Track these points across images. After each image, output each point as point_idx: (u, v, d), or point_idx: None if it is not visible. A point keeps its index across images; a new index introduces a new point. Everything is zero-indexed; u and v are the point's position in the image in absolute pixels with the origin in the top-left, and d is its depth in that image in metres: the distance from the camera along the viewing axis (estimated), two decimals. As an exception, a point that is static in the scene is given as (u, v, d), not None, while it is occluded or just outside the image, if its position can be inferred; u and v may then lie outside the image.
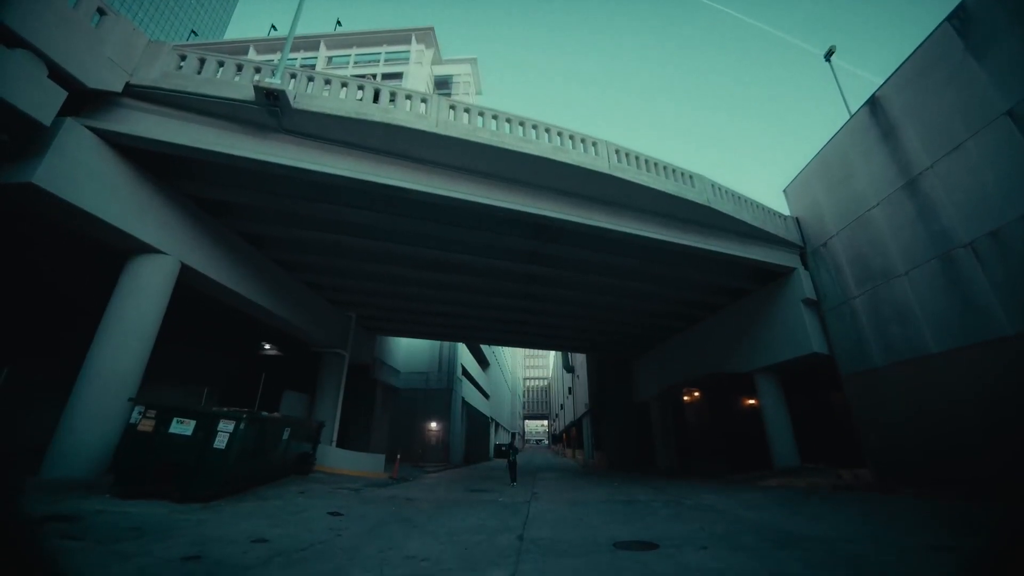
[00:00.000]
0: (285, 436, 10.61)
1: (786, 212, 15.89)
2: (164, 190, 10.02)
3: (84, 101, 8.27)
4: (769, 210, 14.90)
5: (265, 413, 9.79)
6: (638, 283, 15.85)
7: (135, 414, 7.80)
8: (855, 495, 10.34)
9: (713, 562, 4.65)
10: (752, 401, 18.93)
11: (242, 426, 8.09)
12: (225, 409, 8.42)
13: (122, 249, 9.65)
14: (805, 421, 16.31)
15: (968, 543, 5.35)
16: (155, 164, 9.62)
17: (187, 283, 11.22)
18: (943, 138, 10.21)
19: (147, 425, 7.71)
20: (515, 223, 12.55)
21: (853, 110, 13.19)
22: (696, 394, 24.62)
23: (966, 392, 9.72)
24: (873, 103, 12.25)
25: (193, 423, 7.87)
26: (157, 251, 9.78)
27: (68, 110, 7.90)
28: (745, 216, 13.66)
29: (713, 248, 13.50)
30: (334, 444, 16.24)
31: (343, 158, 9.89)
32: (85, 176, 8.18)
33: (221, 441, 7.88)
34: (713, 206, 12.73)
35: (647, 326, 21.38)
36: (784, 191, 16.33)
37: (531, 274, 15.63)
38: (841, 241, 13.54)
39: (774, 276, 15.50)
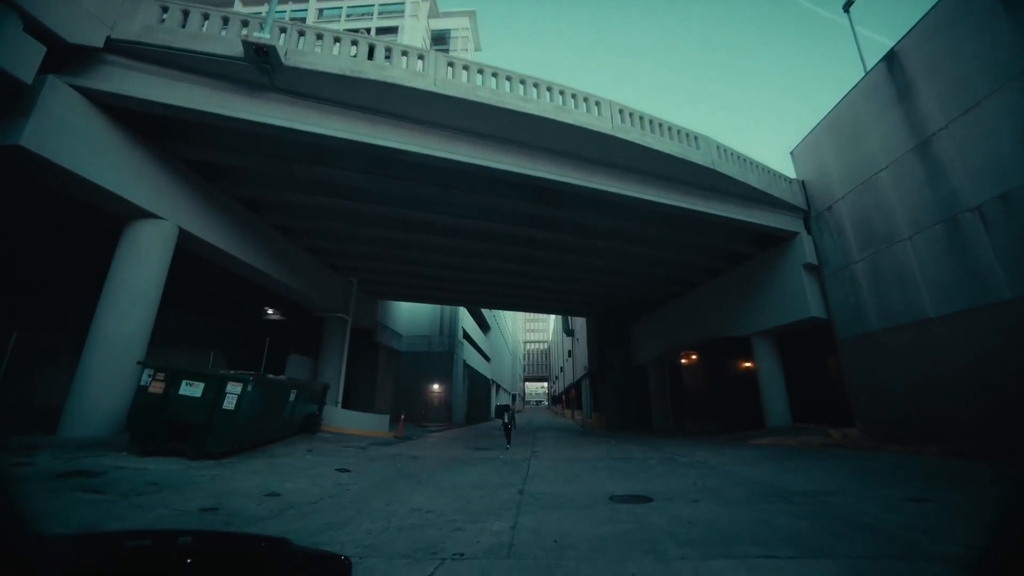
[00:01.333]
0: (291, 398, 10.91)
1: (792, 175, 15.58)
2: (157, 154, 9.79)
3: (65, 58, 7.91)
4: (774, 173, 14.60)
5: (271, 376, 10.03)
6: (639, 247, 15.78)
7: (145, 376, 7.99)
8: (843, 452, 10.74)
9: (703, 514, 4.90)
10: (748, 364, 19.29)
11: (249, 388, 8.31)
12: (232, 372, 8.62)
13: (119, 214, 9.55)
14: (798, 383, 16.69)
15: (945, 496, 5.62)
16: (146, 126, 9.35)
17: (187, 248, 11.19)
18: (961, 96, 9.84)
19: (157, 387, 7.92)
20: (515, 186, 12.34)
21: (869, 68, 12.65)
22: (694, 357, 25.08)
23: (958, 355, 9.89)
24: (891, 58, 11.72)
25: (202, 385, 8.08)
26: (154, 216, 9.68)
27: (49, 68, 7.58)
28: (750, 179, 13.40)
29: (716, 212, 13.34)
30: (339, 405, 16.74)
31: (338, 118, 9.60)
32: (73, 138, 7.97)
33: (230, 402, 8.12)
34: (718, 168, 12.47)
35: (647, 290, 21.47)
36: (791, 153, 15.94)
37: (531, 238, 15.53)
38: (846, 205, 13.35)
39: (776, 240, 15.41)
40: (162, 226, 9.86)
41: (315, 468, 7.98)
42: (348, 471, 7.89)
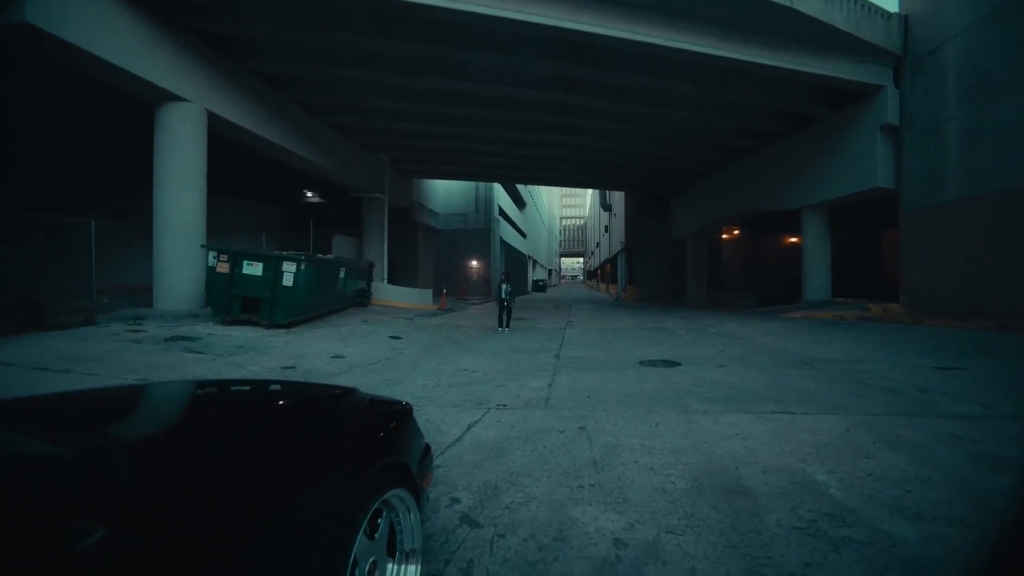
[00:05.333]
0: (342, 274, 11.79)
1: (893, 8, 12.71)
2: (170, 29, 9.16)
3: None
4: (867, 5, 11.92)
5: (320, 255, 10.73)
6: (686, 112, 14.16)
7: (211, 258, 8.78)
8: (879, 326, 10.76)
9: (726, 376, 5.27)
10: (794, 239, 18.52)
11: (303, 266, 9.01)
12: (285, 253, 9.28)
13: (144, 98, 9.42)
14: (843, 258, 16.10)
15: (977, 364, 5.69)
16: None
17: (219, 132, 11.12)
18: None
19: (224, 267, 8.74)
20: (550, 43, 10.88)
21: None
22: (735, 232, 24.25)
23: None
24: None
25: (261, 265, 8.83)
26: (179, 98, 9.49)
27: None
28: (836, 18, 11.08)
29: (784, 65, 11.44)
30: (385, 281, 17.96)
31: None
32: (77, 11, 7.47)
33: (288, 280, 8.92)
34: (795, 6, 10.31)
35: (691, 161, 19.94)
36: (898, -25, 12.78)
37: (567, 104, 14.22)
38: (958, 45, 11.01)
39: (854, 97, 13.30)
40: (190, 109, 9.72)
41: (371, 335, 8.96)
42: (400, 338, 8.82)
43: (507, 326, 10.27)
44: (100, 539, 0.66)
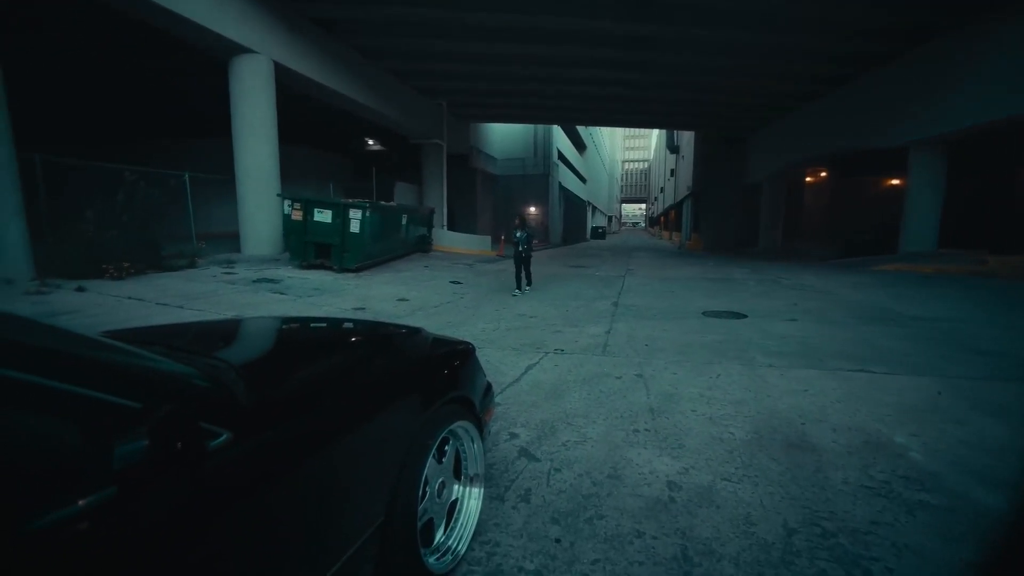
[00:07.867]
0: (404, 221, 12.18)
1: None
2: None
3: None
4: None
5: (383, 203, 11.10)
6: (774, 34, 12.24)
7: (286, 206, 9.40)
8: (993, 282, 9.40)
9: (796, 331, 4.95)
10: (896, 181, 16.27)
11: (367, 213, 9.40)
12: (351, 201, 9.70)
13: (216, 52, 9.81)
14: (957, 204, 13.88)
15: (1120, 329, 4.86)
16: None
17: (285, 83, 11.42)
18: None
19: (297, 215, 9.34)
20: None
21: None
22: (822, 173, 21.69)
23: None
24: None
25: (330, 212, 9.33)
26: (249, 50, 9.78)
27: None
28: None
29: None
30: (445, 227, 18.35)
31: None
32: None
33: (355, 226, 9.38)
34: None
35: (775, 94, 17.59)
36: None
37: (635, 35, 12.86)
38: None
39: (999, -1, 10.70)
40: (259, 61, 10.00)
41: (433, 280, 9.35)
42: (460, 283, 9.12)
43: (527, 286, 8.01)
44: (226, 440, 0.81)
